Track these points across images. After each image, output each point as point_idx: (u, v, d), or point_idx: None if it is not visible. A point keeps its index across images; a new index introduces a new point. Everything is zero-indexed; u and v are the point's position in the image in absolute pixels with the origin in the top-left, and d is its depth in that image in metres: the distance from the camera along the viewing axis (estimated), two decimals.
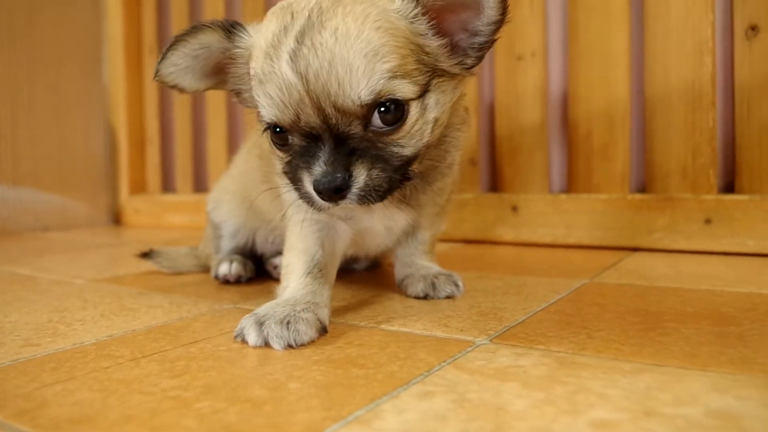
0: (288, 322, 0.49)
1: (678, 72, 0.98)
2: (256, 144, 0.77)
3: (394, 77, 0.47)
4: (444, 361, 0.44)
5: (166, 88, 1.73)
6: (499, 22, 0.51)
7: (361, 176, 0.49)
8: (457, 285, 0.66)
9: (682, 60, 0.98)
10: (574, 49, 1.07)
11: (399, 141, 0.50)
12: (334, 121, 0.48)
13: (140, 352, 0.49)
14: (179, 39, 0.56)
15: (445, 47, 0.52)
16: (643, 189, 1.06)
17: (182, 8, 1.66)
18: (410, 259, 0.70)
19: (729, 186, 0.99)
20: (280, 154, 0.54)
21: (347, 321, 0.57)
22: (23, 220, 1.60)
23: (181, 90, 0.60)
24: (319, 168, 0.48)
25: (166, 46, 0.57)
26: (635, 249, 0.99)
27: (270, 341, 0.49)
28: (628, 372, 0.40)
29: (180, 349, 0.50)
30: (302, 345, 0.49)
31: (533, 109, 1.11)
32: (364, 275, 0.82)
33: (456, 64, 0.53)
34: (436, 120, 0.52)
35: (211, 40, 0.56)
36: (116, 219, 1.81)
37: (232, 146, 1.58)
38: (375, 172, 0.49)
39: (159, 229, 1.64)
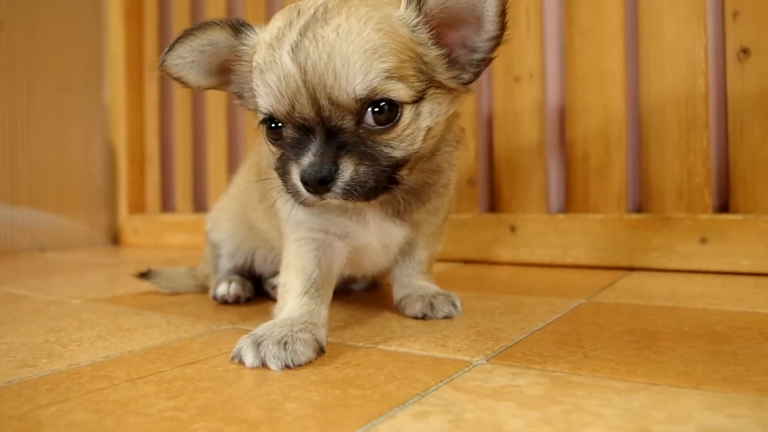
0: (285, 343, 0.50)
1: (672, 93, 0.99)
2: (255, 163, 0.78)
3: (390, 78, 0.49)
4: (441, 381, 0.44)
5: (165, 109, 1.75)
6: (498, 38, 0.53)
7: (347, 170, 0.49)
8: (455, 305, 0.66)
9: (676, 81, 0.99)
10: (571, 71, 1.09)
11: (390, 142, 0.51)
12: (327, 113, 0.49)
13: (137, 373, 0.49)
14: (188, 32, 0.58)
15: (444, 59, 0.53)
16: (639, 209, 1.07)
17: (184, 27, 1.67)
18: (408, 280, 0.70)
19: (724, 206, 1.00)
20: (273, 148, 0.55)
21: (345, 341, 0.57)
22: (20, 239, 1.60)
23: (184, 84, 0.61)
24: (307, 159, 0.49)
25: (175, 37, 0.58)
26: (632, 268, 0.99)
27: (267, 362, 0.49)
28: (623, 391, 0.41)
29: (177, 369, 0.50)
30: (300, 365, 0.49)
31: (531, 130, 1.12)
32: (362, 295, 0.83)
33: (453, 77, 0.54)
34: (429, 129, 0.53)
35: (220, 37, 0.57)
36: (115, 239, 1.81)
37: (232, 166, 1.59)
38: (362, 168, 0.50)
39: (158, 248, 1.64)
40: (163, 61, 0.59)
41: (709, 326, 0.58)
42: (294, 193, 0.52)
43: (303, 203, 0.53)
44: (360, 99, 0.49)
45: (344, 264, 0.64)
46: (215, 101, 1.60)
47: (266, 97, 0.51)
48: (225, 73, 0.60)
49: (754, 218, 0.91)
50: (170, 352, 0.55)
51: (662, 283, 0.85)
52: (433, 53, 0.52)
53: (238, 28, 0.57)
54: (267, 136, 0.54)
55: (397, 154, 0.51)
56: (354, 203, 0.52)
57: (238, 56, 0.58)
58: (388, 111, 0.50)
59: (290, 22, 0.51)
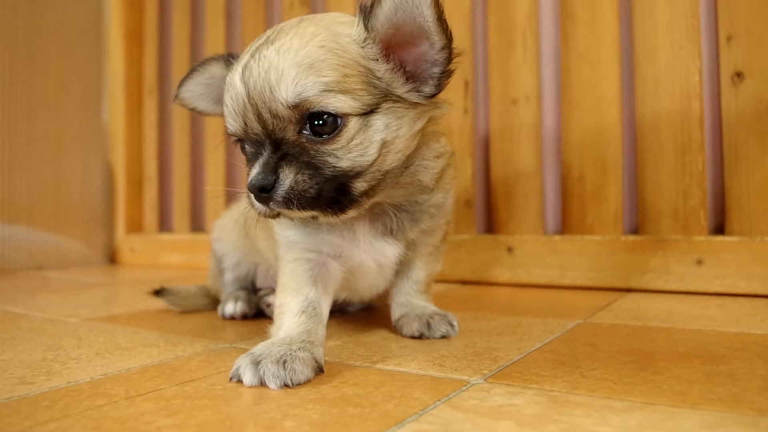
0: (284, 362, 0.50)
1: (667, 116, 1.00)
2: None
3: (328, 91, 0.51)
4: (438, 400, 0.44)
5: (163, 130, 1.76)
6: (447, 47, 0.54)
7: (287, 179, 0.51)
8: (452, 325, 0.67)
9: (671, 104, 1.00)
10: (567, 93, 1.10)
11: (335, 152, 0.52)
12: (271, 126, 0.52)
13: (135, 390, 0.49)
14: (193, 70, 0.65)
15: (400, 73, 0.55)
16: (635, 230, 1.07)
17: (183, 50, 1.69)
18: (406, 299, 0.70)
19: (719, 227, 1.01)
20: (245, 164, 0.57)
21: (342, 360, 0.57)
22: (17, 258, 1.60)
23: (200, 112, 0.68)
24: (254, 170, 0.52)
25: (184, 76, 0.66)
26: (629, 290, 0.99)
27: (266, 381, 0.49)
28: (620, 410, 0.41)
29: (175, 387, 0.50)
30: (299, 384, 0.49)
31: (527, 152, 1.13)
32: (359, 315, 0.83)
33: (412, 91, 0.55)
34: (384, 142, 0.54)
35: (216, 70, 0.64)
36: (112, 258, 1.81)
37: (230, 186, 1.60)
38: (301, 178, 0.51)
39: (155, 268, 1.64)
40: (177, 95, 0.66)
41: (706, 347, 0.59)
42: (251, 205, 0.55)
43: (260, 215, 0.55)
44: (294, 108, 0.51)
45: (339, 284, 0.64)
46: (213, 122, 1.61)
47: (227, 118, 0.55)
48: None
49: (749, 240, 0.92)
50: (168, 371, 0.55)
51: (659, 304, 0.86)
52: (384, 68, 0.54)
53: (228, 60, 0.62)
54: (242, 154, 0.58)
55: (343, 164, 0.53)
56: (302, 212, 0.53)
57: None
58: (330, 122, 0.52)
59: (251, 47, 0.55)
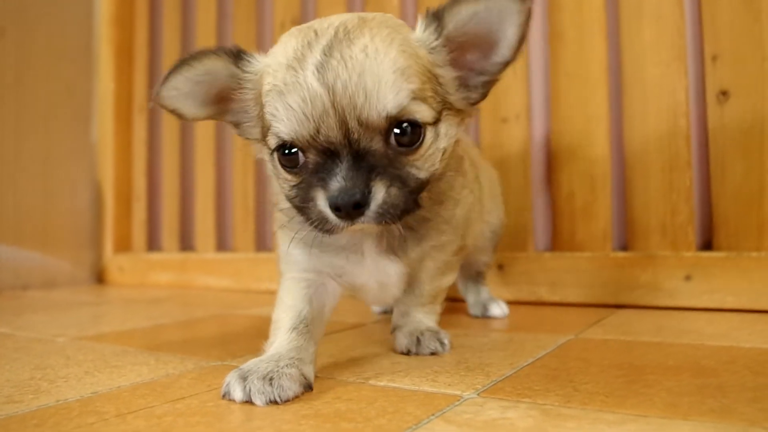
0: (271, 378, 0.49)
1: (655, 133, 1.02)
2: None
3: (415, 99, 0.49)
4: (432, 415, 0.44)
5: (153, 148, 1.76)
6: (510, 62, 0.53)
7: (380, 193, 0.48)
8: (442, 342, 0.66)
9: (658, 122, 1.02)
10: (556, 112, 1.11)
11: (415, 162, 0.51)
12: (356, 135, 0.48)
13: (126, 408, 0.49)
14: (183, 62, 0.56)
15: (457, 81, 0.54)
16: (624, 247, 1.08)
17: None
18: (406, 309, 0.70)
19: (707, 243, 1.02)
20: (288, 177, 0.53)
21: (335, 376, 0.57)
22: (3, 277, 1.58)
23: (179, 116, 0.59)
24: (336, 183, 0.48)
25: (170, 68, 0.56)
26: (619, 306, 1.00)
27: (252, 397, 0.48)
28: (613, 422, 0.41)
29: (167, 405, 0.49)
30: (286, 401, 0.49)
31: (517, 169, 1.14)
32: (350, 332, 0.82)
33: (463, 98, 0.54)
34: (444, 150, 0.53)
35: (217, 65, 0.56)
36: (99, 277, 1.80)
37: (221, 205, 1.59)
38: (393, 191, 0.49)
39: (143, 287, 1.63)
40: (158, 93, 0.57)
41: (695, 360, 0.59)
42: (319, 221, 0.50)
43: (329, 231, 0.51)
44: (391, 117, 0.48)
45: (336, 303, 0.64)
46: (204, 140, 1.61)
47: (287, 121, 0.49)
48: (222, 102, 0.58)
49: (737, 255, 0.93)
50: (159, 388, 0.55)
51: (649, 319, 0.86)
52: (449, 75, 0.53)
53: (237, 55, 0.56)
54: (282, 163, 0.53)
55: (422, 175, 0.51)
56: (386, 226, 0.51)
57: (239, 84, 0.56)
58: (411, 132, 0.50)
59: (309, 42, 0.50)
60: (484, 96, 0.55)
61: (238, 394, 0.49)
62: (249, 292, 1.42)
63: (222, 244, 1.61)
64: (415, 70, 0.49)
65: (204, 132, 1.61)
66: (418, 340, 0.66)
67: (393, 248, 0.61)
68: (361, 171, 0.48)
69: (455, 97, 0.54)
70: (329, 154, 0.49)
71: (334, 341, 0.75)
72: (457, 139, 0.58)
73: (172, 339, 0.82)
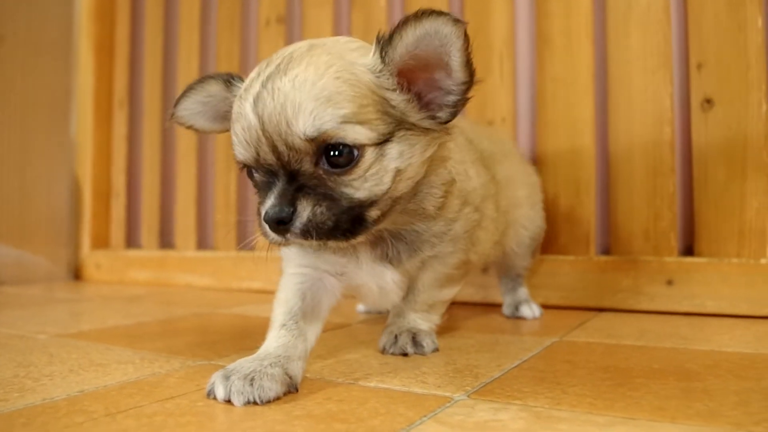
0: (252, 378, 0.49)
1: (640, 140, 1.03)
2: None
3: (346, 122, 0.51)
4: (424, 416, 0.44)
5: (133, 144, 1.74)
6: (468, 83, 0.54)
7: (305, 211, 0.51)
8: (420, 344, 0.67)
9: (643, 128, 1.03)
10: (542, 116, 1.12)
11: (352, 182, 0.52)
12: (286, 158, 0.52)
13: (115, 407, 0.48)
14: (189, 88, 0.63)
15: (413, 102, 0.55)
16: (607, 251, 1.09)
17: (155, 63, 1.68)
18: (401, 310, 0.71)
19: (689, 249, 1.03)
20: (254, 192, 0.57)
21: (324, 377, 0.57)
22: None
23: (197, 130, 0.66)
24: (269, 201, 0.52)
25: (181, 93, 0.64)
26: (601, 309, 1.01)
27: (231, 397, 0.49)
28: (603, 425, 0.42)
29: (156, 404, 0.49)
30: (267, 401, 0.49)
31: None
32: (338, 332, 0.82)
33: (426, 118, 0.55)
34: (398, 171, 0.54)
35: (215, 89, 0.62)
36: (76, 274, 1.77)
37: (201, 202, 1.58)
38: (319, 210, 0.51)
39: (121, 285, 1.61)
40: (174, 113, 0.64)
41: (680, 364, 0.60)
42: (264, 234, 0.54)
43: (271, 242, 0.54)
44: (311, 139, 0.51)
45: (336, 300, 0.65)
46: (185, 137, 1.60)
47: (237, 146, 0.54)
48: (228, 119, 0.61)
49: (717, 261, 0.94)
50: (147, 387, 0.54)
51: (631, 323, 0.87)
52: (400, 98, 0.54)
53: (229, 81, 0.61)
54: (251, 181, 0.57)
55: (360, 195, 0.53)
56: (317, 242, 0.53)
57: (230, 106, 0.59)
58: (347, 153, 0.51)
59: (258, 74, 0.54)
60: (453, 115, 0.56)
61: (220, 392, 0.49)
62: (230, 290, 1.41)
63: (202, 242, 1.60)
64: (349, 95, 0.51)
65: (185, 130, 1.59)
66: (395, 339, 0.67)
67: (387, 256, 0.62)
68: (291, 190, 0.52)
69: (417, 118, 0.55)
70: (271, 174, 0.53)
71: (321, 341, 0.74)
72: (443, 157, 0.60)
73: (155, 337, 0.81)
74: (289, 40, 1.45)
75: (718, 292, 0.93)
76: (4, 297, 1.33)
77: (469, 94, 0.55)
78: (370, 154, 0.52)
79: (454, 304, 1.10)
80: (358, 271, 0.63)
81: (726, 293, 0.92)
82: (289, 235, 0.52)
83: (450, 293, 0.71)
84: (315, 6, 1.38)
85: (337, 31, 1.38)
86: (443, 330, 0.82)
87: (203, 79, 0.63)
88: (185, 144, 1.60)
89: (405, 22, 0.52)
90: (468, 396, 0.50)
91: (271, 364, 0.52)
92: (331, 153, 0.51)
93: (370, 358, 0.65)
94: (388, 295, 0.66)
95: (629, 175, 1.04)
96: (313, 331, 0.60)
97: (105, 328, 0.89)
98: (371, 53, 0.54)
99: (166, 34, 1.69)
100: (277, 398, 0.50)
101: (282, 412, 0.46)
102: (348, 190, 0.52)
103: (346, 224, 0.53)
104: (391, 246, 0.62)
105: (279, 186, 0.52)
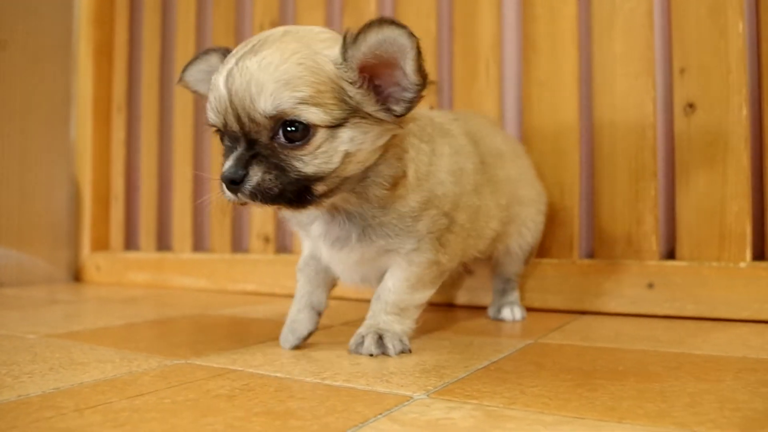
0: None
1: (623, 144, 1.04)
2: None
3: (302, 103, 0.57)
4: (379, 414, 0.46)
5: (132, 149, 1.77)
6: (421, 85, 0.60)
7: (255, 176, 0.58)
8: (385, 346, 0.68)
9: (626, 133, 1.04)
10: (528, 120, 1.13)
11: (302, 157, 0.59)
12: (247, 128, 0.59)
13: (85, 403, 0.50)
14: (195, 58, 0.71)
15: (370, 94, 0.60)
16: (591, 254, 1.10)
17: (153, 68, 1.70)
18: (373, 311, 0.72)
19: (670, 252, 1.04)
20: (222, 154, 0.63)
21: (294, 376, 0.59)
22: None
23: (201, 95, 0.72)
24: (228, 163, 0.59)
25: (189, 61, 0.72)
26: (584, 312, 1.02)
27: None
28: (550, 424, 0.43)
29: (125, 401, 0.51)
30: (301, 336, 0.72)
31: None
32: (318, 333, 0.84)
33: (382, 110, 0.60)
34: (348, 153, 0.60)
35: (215, 61, 0.68)
36: (76, 276, 1.80)
37: (198, 205, 1.60)
38: (268, 176, 0.58)
39: (120, 286, 1.63)
40: (181, 78, 0.72)
41: (644, 366, 0.61)
42: (222, 191, 0.61)
43: (228, 200, 0.61)
44: (270, 116, 0.57)
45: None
46: (182, 141, 1.62)
47: (210, 112, 0.62)
48: None
49: (698, 265, 0.95)
50: (120, 385, 0.56)
51: (609, 325, 0.88)
52: (357, 89, 0.59)
53: (225, 54, 0.66)
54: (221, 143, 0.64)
55: (308, 169, 0.59)
56: (266, 206, 0.60)
57: None
58: (302, 131, 0.58)
59: (236, 52, 0.61)
60: (408, 109, 0.61)
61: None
62: (224, 292, 1.43)
63: (199, 244, 1.62)
64: (308, 80, 0.57)
65: (182, 133, 1.62)
66: (362, 340, 0.69)
67: (342, 235, 0.68)
68: (247, 156, 0.59)
69: (372, 109, 0.60)
70: (235, 140, 0.60)
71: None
72: (396, 152, 0.65)
73: (141, 338, 0.83)
74: None
75: (697, 295, 0.94)
76: (3, 298, 1.35)
77: (424, 93, 0.61)
78: (322, 134, 0.58)
79: (440, 306, 1.11)
80: (323, 246, 0.70)
81: (705, 297, 0.93)
82: (240, 195, 0.59)
83: (422, 297, 0.72)
84: (307, 10, 1.39)
85: None
86: (422, 332, 0.83)
87: (207, 51, 0.70)
88: (182, 148, 1.62)
89: (369, 26, 0.59)
90: (428, 395, 0.51)
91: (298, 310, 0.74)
92: (288, 128, 0.58)
93: (343, 358, 0.67)
94: (347, 272, 0.73)
95: (612, 179, 1.05)
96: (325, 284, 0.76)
97: (94, 328, 0.90)
98: (338, 46, 0.60)
99: (162, 40, 1.71)
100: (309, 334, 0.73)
101: (243, 408, 0.48)
102: (298, 164, 0.59)
103: (291, 194, 0.59)
104: (344, 225, 0.68)
105: (238, 151, 0.59)
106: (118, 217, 1.77)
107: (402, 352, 0.68)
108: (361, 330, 0.70)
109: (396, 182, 0.66)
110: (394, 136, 0.63)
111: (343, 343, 0.74)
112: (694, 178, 0.99)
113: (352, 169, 0.61)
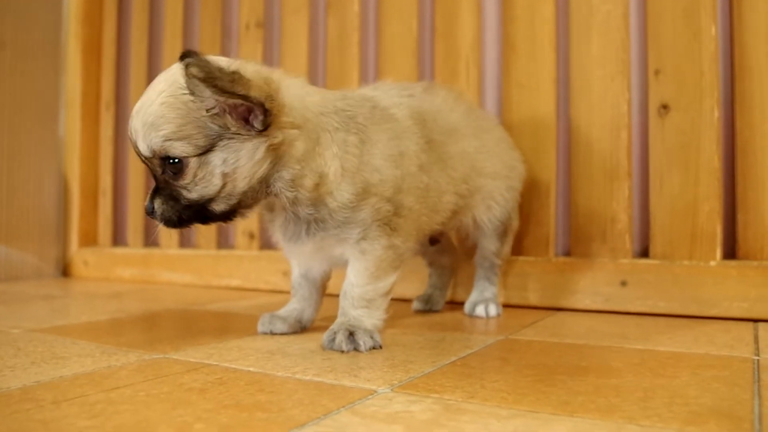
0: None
1: (599, 144, 1.06)
2: None
3: (168, 140, 0.63)
4: (343, 407, 0.48)
5: (120, 145, 1.78)
6: (251, 102, 0.62)
7: (158, 208, 0.67)
8: (355, 342, 0.70)
9: (602, 133, 1.06)
10: (507, 121, 1.15)
11: (186, 186, 0.65)
12: (149, 167, 0.67)
13: (63, 396, 0.52)
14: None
15: (230, 116, 0.63)
16: (567, 252, 1.12)
17: (141, 66, 1.72)
18: (343, 308, 0.74)
19: (644, 251, 1.06)
20: None
21: (266, 371, 0.61)
22: None
23: None
24: (148, 197, 0.68)
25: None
26: (559, 309, 1.04)
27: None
28: (504, 417, 0.45)
29: (101, 394, 0.52)
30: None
31: None
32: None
33: (243, 127, 0.64)
34: (225, 174, 0.64)
35: None
36: (65, 271, 1.81)
37: None
38: (165, 207, 0.67)
39: (108, 282, 1.65)
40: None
41: (606, 362, 0.63)
42: None
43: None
44: (149, 157, 0.65)
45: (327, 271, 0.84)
46: None
47: None
48: None
49: (670, 263, 0.98)
50: (98, 378, 0.58)
51: (582, 323, 0.90)
52: (214, 115, 0.63)
53: None
54: None
55: (193, 195, 0.66)
56: (177, 228, 0.69)
57: None
58: (177, 163, 0.64)
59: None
60: (264, 124, 0.64)
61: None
62: (209, 288, 1.45)
63: (185, 240, 1.63)
64: (170, 117, 0.63)
65: None
66: (334, 336, 0.71)
67: (297, 232, 0.73)
68: (154, 190, 0.68)
69: (236, 128, 0.64)
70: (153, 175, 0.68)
71: (274, 338, 0.78)
72: (291, 156, 0.67)
73: (124, 332, 0.84)
74: (268, 44, 1.48)
75: (669, 293, 0.96)
76: None
77: (268, 107, 0.63)
78: (194, 163, 0.64)
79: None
80: (281, 240, 0.76)
81: (677, 294, 0.96)
82: (158, 222, 0.68)
83: (386, 286, 0.74)
84: (292, 12, 1.41)
85: (313, 36, 1.42)
86: (394, 327, 0.85)
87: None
88: None
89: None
90: (392, 389, 0.53)
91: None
92: (168, 162, 0.64)
93: (316, 354, 0.69)
94: (305, 262, 0.81)
95: (588, 178, 1.07)
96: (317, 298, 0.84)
97: (78, 323, 0.92)
98: None
99: (150, 38, 1.72)
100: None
101: (214, 401, 0.50)
102: (184, 192, 0.66)
103: (189, 217, 0.67)
104: (296, 222, 0.72)
105: (153, 186, 0.68)
106: (106, 213, 1.79)
107: (373, 348, 0.70)
108: (334, 326, 0.72)
109: (318, 182, 0.69)
110: (280, 144, 0.66)
111: (318, 339, 0.76)
112: (668, 179, 1.01)
113: (242, 185, 0.66)
